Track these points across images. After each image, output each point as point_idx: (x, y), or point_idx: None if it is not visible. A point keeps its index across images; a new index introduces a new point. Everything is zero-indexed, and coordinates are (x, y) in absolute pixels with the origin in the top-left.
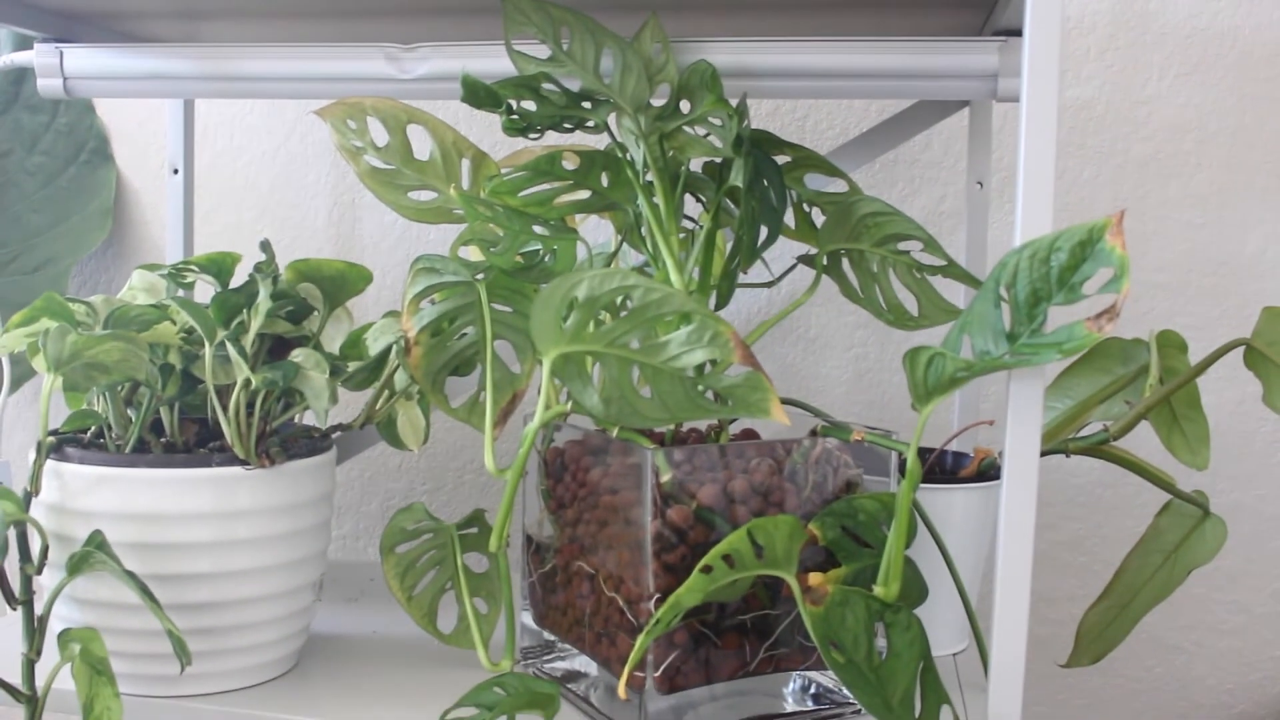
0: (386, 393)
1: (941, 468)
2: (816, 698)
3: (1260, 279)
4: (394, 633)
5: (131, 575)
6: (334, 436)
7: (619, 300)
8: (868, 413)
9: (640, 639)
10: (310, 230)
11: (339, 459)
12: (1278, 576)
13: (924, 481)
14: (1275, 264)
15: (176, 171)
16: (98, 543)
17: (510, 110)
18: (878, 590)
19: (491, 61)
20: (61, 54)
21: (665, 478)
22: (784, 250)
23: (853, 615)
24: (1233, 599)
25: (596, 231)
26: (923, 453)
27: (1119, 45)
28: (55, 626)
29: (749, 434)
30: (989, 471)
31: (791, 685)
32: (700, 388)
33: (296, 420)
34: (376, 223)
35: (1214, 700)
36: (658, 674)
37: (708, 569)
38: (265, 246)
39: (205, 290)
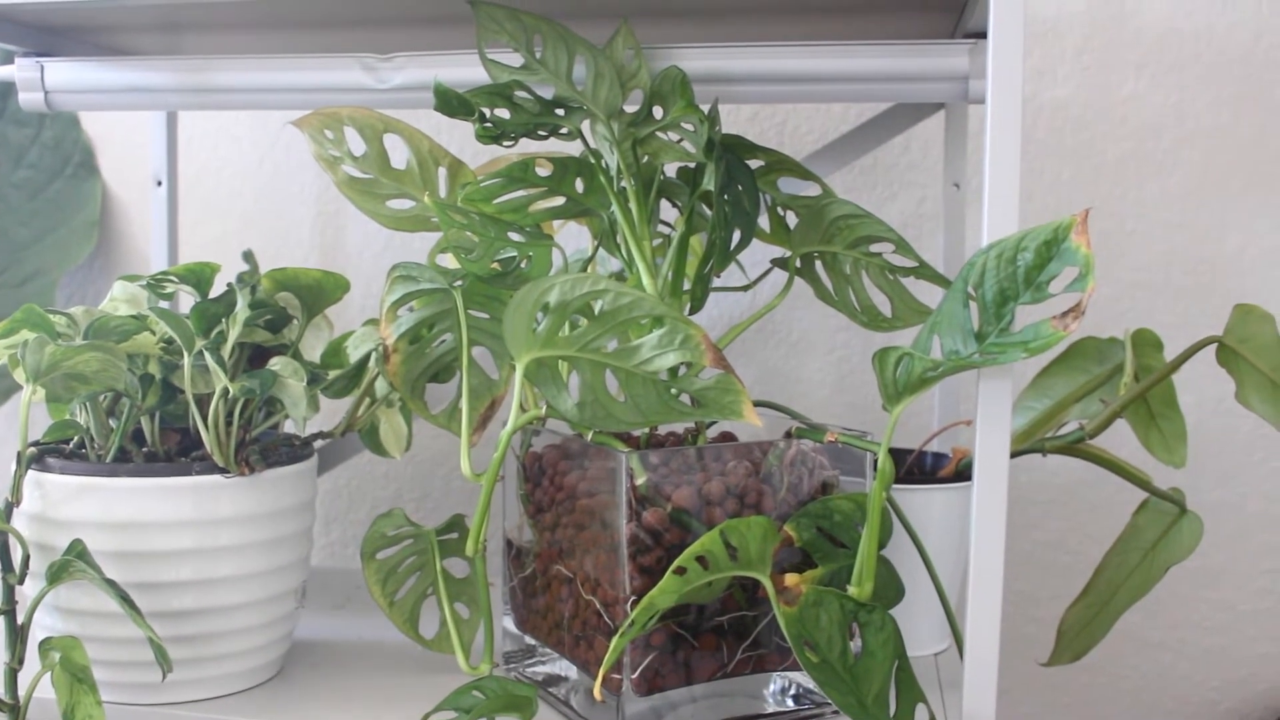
0: (368, 400)
1: (921, 468)
2: (796, 698)
3: (1239, 277)
4: (378, 638)
5: (111, 583)
6: (315, 444)
7: (596, 306)
8: (850, 415)
9: (615, 641)
10: (295, 240)
11: (325, 467)
12: (1261, 573)
13: (903, 482)
14: (1253, 263)
15: (160, 183)
16: (78, 551)
17: (484, 118)
18: (852, 590)
19: (466, 70)
20: (42, 68)
21: (640, 480)
22: (764, 255)
23: (826, 615)
24: (1217, 597)
25: (578, 238)
26: (901, 453)
27: (1095, 46)
28: (38, 635)
29: (727, 436)
30: (967, 471)
31: (771, 686)
32: (673, 391)
33: (279, 428)
34: (361, 232)
35: (1199, 698)
36: (635, 676)
37: (681, 570)
38: (248, 257)
39: (189, 301)
